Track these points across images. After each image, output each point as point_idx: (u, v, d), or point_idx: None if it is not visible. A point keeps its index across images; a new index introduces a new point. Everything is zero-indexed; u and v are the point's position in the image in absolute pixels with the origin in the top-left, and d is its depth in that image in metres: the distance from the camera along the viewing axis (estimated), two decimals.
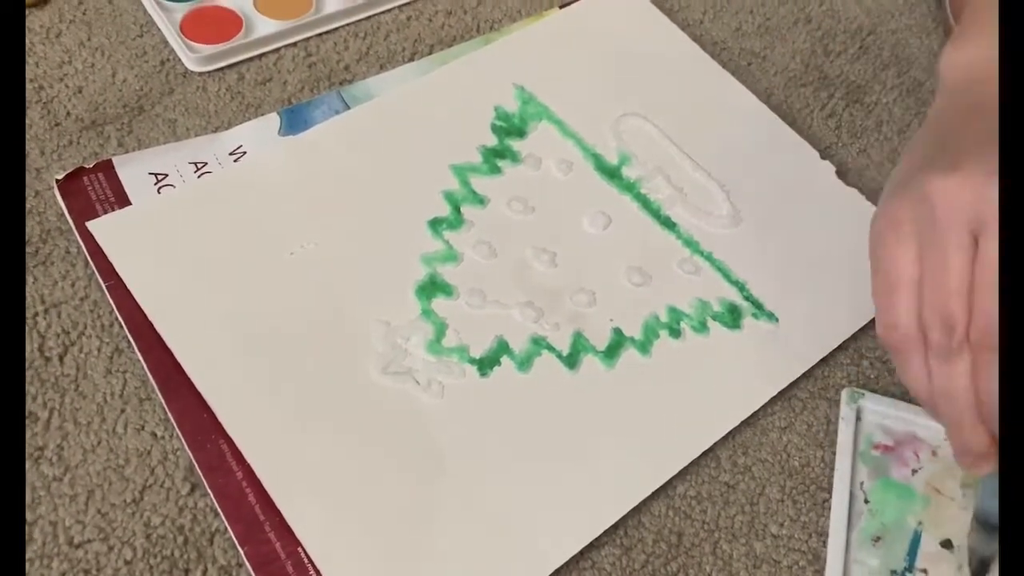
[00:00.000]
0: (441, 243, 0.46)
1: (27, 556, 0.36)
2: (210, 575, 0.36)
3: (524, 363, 0.42)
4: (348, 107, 0.50)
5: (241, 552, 0.36)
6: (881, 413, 0.43)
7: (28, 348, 0.40)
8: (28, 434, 0.38)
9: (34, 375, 0.40)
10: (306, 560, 0.36)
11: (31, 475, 0.37)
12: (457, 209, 0.47)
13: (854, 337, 0.45)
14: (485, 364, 0.42)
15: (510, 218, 0.47)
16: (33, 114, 0.47)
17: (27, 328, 0.41)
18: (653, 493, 0.40)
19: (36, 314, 0.41)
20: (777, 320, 0.45)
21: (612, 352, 0.43)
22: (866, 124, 0.55)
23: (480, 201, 0.47)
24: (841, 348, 0.45)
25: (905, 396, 0.44)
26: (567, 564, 0.37)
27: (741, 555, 0.39)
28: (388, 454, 0.39)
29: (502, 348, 0.43)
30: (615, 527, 0.39)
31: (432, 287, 0.44)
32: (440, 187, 0.47)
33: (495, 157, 0.49)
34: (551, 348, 0.43)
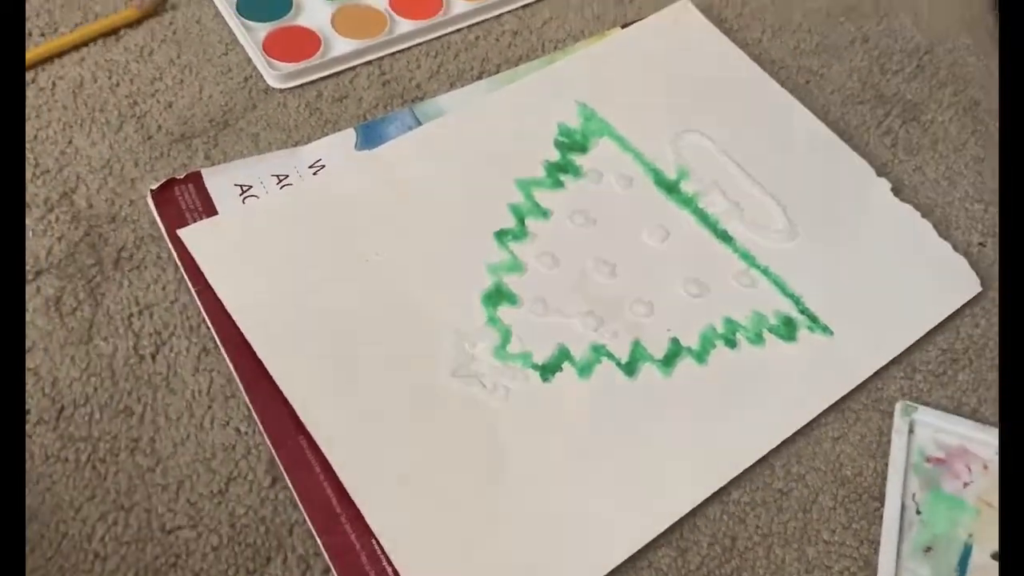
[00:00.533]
0: (507, 253, 0.48)
1: (124, 539, 0.38)
2: (290, 562, 0.39)
3: (585, 370, 0.44)
4: (420, 123, 0.52)
5: (319, 542, 0.39)
6: (934, 426, 0.44)
7: (124, 347, 0.43)
8: (124, 427, 0.41)
9: (129, 372, 0.43)
10: (379, 551, 0.38)
11: (127, 464, 0.40)
12: (522, 221, 0.49)
13: (908, 351, 0.46)
14: (547, 370, 0.44)
15: (572, 230, 0.49)
16: (128, 128, 0.50)
17: (124, 328, 0.44)
18: (708, 498, 0.41)
19: (131, 315, 0.44)
20: (832, 333, 0.46)
21: (669, 361, 0.45)
22: (922, 142, 0.55)
23: (544, 214, 0.49)
24: (895, 362, 0.46)
25: (957, 410, 0.45)
26: (624, 564, 0.39)
27: (793, 559, 0.40)
28: (456, 454, 0.41)
29: (563, 355, 0.45)
30: (671, 529, 0.40)
31: (498, 295, 0.46)
32: (506, 200, 0.50)
33: (558, 172, 0.51)
34: (610, 356, 0.45)
